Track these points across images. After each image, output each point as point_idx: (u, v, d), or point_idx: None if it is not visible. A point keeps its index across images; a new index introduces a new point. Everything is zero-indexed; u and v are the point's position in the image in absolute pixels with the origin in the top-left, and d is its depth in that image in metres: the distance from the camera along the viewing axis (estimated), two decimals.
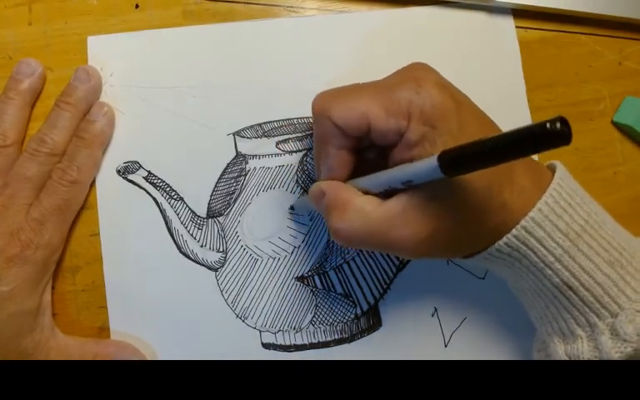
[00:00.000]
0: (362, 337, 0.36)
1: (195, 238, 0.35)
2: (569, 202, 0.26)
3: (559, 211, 0.25)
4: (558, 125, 0.18)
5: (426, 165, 0.23)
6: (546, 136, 0.19)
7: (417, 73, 0.26)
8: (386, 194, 0.26)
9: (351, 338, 0.36)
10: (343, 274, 0.35)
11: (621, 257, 0.26)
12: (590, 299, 0.26)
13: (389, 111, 0.25)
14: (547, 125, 0.18)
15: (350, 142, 0.27)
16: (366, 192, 0.27)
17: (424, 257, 0.27)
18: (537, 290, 0.28)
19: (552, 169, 0.28)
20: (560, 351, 0.28)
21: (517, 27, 0.39)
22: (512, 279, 0.30)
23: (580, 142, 0.38)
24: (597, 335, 0.26)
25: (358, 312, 0.36)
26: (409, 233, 0.25)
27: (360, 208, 0.26)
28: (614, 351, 0.25)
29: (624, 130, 0.39)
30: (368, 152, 0.29)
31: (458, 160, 0.21)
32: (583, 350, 0.26)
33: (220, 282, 0.35)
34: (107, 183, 0.35)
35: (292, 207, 0.35)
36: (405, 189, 0.25)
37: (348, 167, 0.28)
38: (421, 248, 0.26)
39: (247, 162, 0.36)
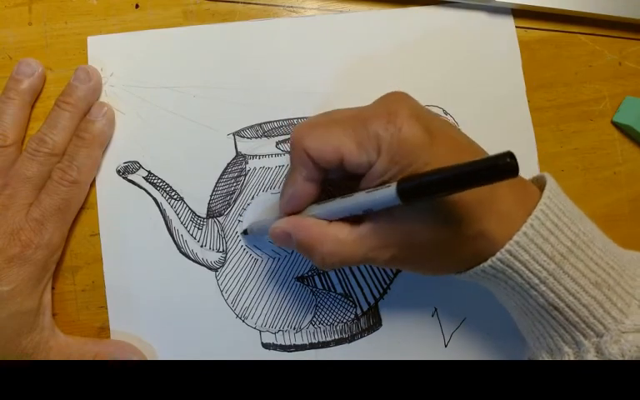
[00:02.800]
0: (362, 337, 0.36)
1: (195, 238, 0.35)
2: (556, 223, 0.26)
3: (545, 233, 0.25)
4: (508, 159, 0.20)
5: (384, 193, 0.24)
6: (496, 169, 0.20)
7: (390, 106, 0.26)
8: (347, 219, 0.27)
9: (351, 338, 0.36)
10: (343, 274, 0.35)
11: (608, 277, 0.26)
12: (575, 319, 0.26)
13: (361, 145, 0.26)
14: (498, 161, 0.20)
15: (319, 175, 0.28)
16: (325, 219, 0.28)
17: (409, 271, 0.28)
18: (524, 308, 0.28)
19: (541, 182, 0.28)
20: None
21: (517, 27, 0.39)
22: (499, 296, 0.30)
23: (580, 142, 0.38)
24: (584, 353, 0.26)
25: (358, 312, 0.36)
26: (382, 253, 0.27)
27: (335, 238, 0.27)
28: None
29: (624, 130, 0.39)
30: (331, 174, 0.30)
31: (412, 187, 0.23)
32: None
33: (220, 282, 0.35)
34: (107, 183, 0.35)
35: (244, 232, 0.35)
36: (368, 214, 0.26)
37: (311, 198, 0.29)
38: (399, 264, 0.27)
39: (247, 162, 0.36)
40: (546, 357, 0.28)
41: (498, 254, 0.26)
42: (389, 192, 0.24)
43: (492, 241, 0.26)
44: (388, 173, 0.26)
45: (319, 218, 0.28)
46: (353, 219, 0.27)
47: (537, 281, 0.26)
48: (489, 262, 0.26)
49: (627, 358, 0.24)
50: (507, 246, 0.25)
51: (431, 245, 0.26)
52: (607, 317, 0.25)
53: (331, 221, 0.28)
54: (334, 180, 0.30)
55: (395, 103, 0.27)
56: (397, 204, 0.24)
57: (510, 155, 0.20)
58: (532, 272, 0.26)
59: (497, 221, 0.26)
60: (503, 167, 0.20)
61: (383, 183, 0.26)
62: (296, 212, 0.29)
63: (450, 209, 0.25)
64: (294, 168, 0.28)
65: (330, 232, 0.27)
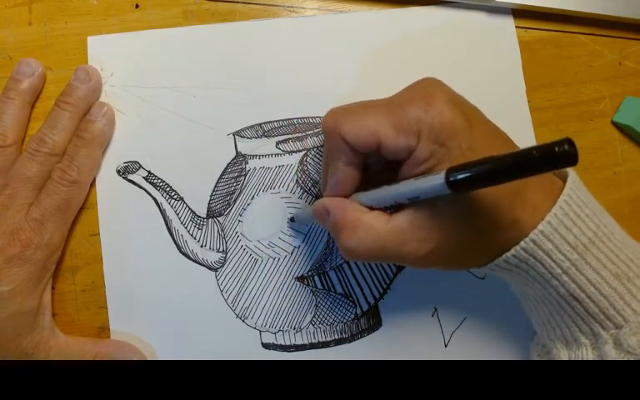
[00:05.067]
0: (362, 337, 0.36)
1: (195, 238, 0.35)
2: (579, 214, 0.26)
3: (568, 223, 0.25)
4: (566, 147, 0.18)
5: (432, 181, 0.23)
6: (553, 157, 0.19)
7: (427, 90, 0.26)
8: (392, 208, 0.27)
9: (351, 338, 0.36)
10: (343, 274, 0.35)
11: (628, 270, 0.26)
12: (595, 311, 0.26)
13: (399, 129, 0.25)
14: (556, 148, 0.18)
15: (358, 158, 0.27)
16: (370, 207, 0.27)
17: (433, 268, 0.27)
18: (542, 298, 0.28)
19: (564, 176, 0.28)
20: (563, 357, 0.28)
21: (517, 27, 0.39)
22: (516, 286, 0.30)
23: (580, 142, 0.38)
24: (601, 344, 0.26)
25: (358, 312, 0.36)
26: (418, 247, 0.26)
27: (369, 226, 0.26)
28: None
29: (624, 130, 0.39)
30: (373, 165, 0.29)
31: (464, 178, 0.21)
32: (587, 358, 0.27)
33: (220, 282, 0.35)
34: (107, 183, 0.35)
35: (292, 219, 0.35)
36: (411, 204, 0.25)
37: (355, 183, 0.28)
38: (430, 261, 0.26)
39: (247, 162, 0.36)
40: (561, 347, 0.28)
41: (522, 243, 0.25)
42: (437, 180, 0.23)
43: (522, 228, 0.25)
44: (431, 160, 0.25)
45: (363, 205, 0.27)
46: (391, 210, 0.27)
47: (559, 271, 0.26)
48: (512, 251, 0.26)
49: None
50: (531, 235, 0.25)
51: (469, 238, 0.26)
52: (627, 309, 0.25)
53: (372, 209, 0.27)
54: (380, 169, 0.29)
55: (431, 88, 0.26)
56: (445, 193, 0.22)
57: (569, 142, 0.18)
58: (554, 262, 0.25)
59: (528, 210, 0.25)
60: (563, 154, 0.18)
61: (427, 171, 0.25)
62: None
63: (489, 199, 0.25)
64: (333, 156, 0.28)
65: (365, 220, 0.26)
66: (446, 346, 0.36)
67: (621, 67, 0.39)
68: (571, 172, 0.28)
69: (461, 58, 0.38)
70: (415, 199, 0.25)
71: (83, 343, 0.34)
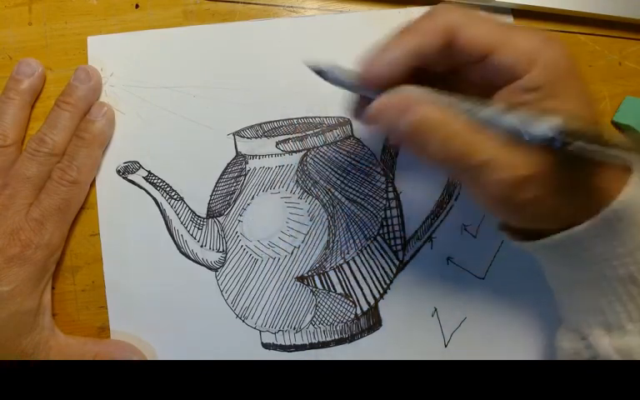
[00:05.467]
0: (362, 337, 0.36)
1: (195, 238, 0.35)
2: None
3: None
4: None
5: (544, 123, 0.22)
6: None
7: (543, 32, 0.25)
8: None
9: (351, 338, 0.36)
10: (343, 274, 0.35)
11: None
12: None
13: (517, 48, 0.24)
14: None
15: (431, 58, 0.25)
16: None
17: (506, 203, 0.24)
18: (590, 281, 0.27)
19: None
20: (605, 343, 0.27)
21: None
22: (563, 269, 0.29)
23: None
24: None
25: (358, 312, 0.36)
26: (518, 172, 0.23)
27: (466, 125, 0.24)
28: None
29: (624, 130, 0.39)
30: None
31: (575, 147, 0.21)
32: (631, 344, 0.26)
33: (220, 282, 0.35)
34: (107, 183, 0.35)
35: (319, 71, 0.30)
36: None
37: (400, 76, 0.25)
38: (516, 204, 0.24)
39: (247, 162, 0.36)
40: (602, 333, 0.27)
41: (620, 197, 0.24)
42: (552, 125, 0.21)
43: (602, 193, 0.25)
44: (538, 92, 0.24)
45: None
46: None
47: (623, 250, 0.25)
48: (599, 217, 0.24)
49: None
50: (623, 193, 0.24)
51: (560, 185, 0.24)
52: None
53: None
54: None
55: (549, 33, 0.25)
56: (550, 140, 0.21)
57: None
58: (622, 242, 0.25)
59: (612, 174, 0.25)
60: None
61: (534, 102, 0.23)
62: (376, 85, 0.25)
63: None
64: (412, 32, 0.25)
65: (463, 119, 0.24)
66: (446, 346, 0.36)
67: (621, 67, 0.39)
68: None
69: None
70: (510, 131, 0.23)
71: (83, 343, 0.34)
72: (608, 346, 0.27)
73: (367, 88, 0.27)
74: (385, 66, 0.25)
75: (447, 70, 0.26)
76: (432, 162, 0.24)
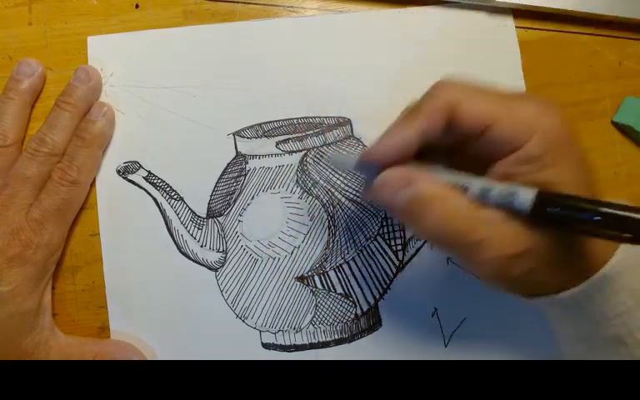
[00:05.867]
0: (362, 337, 0.36)
1: (195, 238, 0.35)
2: None
3: (634, 266, 0.25)
4: None
5: (520, 192, 0.23)
6: None
7: (541, 97, 0.26)
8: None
9: (351, 338, 0.36)
10: (343, 274, 0.35)
11: None
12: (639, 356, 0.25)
13: (515, 120, 0.24)
14: None
15: (437, 136, 0.25)
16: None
17: (500, 279, 0.25)
18: (584, 338, 0.27)
19: None
20: None
21: (517, 27, 0.39)
22: (562, 323, 0.29)
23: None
24: None
25: (358, 312, 0.36)
26: (506, 251, 0.24)
27: (459, 205, 0.24)
28: None
29: (624, 130, 0.39)
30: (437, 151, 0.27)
31: (555, 210, 0.21)
32: None
33: (220, 282, 0.35)
34: (107, 183, 0.35)
35: (329, 159, 0.32)
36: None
37: (408, 158, 0.26)
38: (508, 277, 0.25)
39: (247, 162, 0.36)
40: None
41: (610, 262, 0.25)
42: (526, 196, 0.22)
43: (593, 261, 0.25)
44: (536, 163, 0.24)
45: None
46: None
47: (613, 314, 0.25)
48: (585, 285, 0.25)
49: None
50: (612, 260, 0.24)
51: (550, 259, 0.25)
52: None
53: None
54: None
55: (548, 98, 0.26)
56: (525, 212, 0.22)
57: None
58: (611, 305, 0.25)
59: (599, 246, 0.25)
60: None
61: (532, 172, 0.24)
62: (387, 163, 0.26)
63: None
64: (416, 117, 0.25)
65: (456, 197, 0.24)
66: (446, 346, 0.36)
67: (621, 67, 0.39)
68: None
69: (461, 58, 0.38)
70: (503, 202, 0.24)
71: (83, 343, 0.34)
72: None
73: (375, 170, 0.27)
74: (393, 150, 0.26)
75: (449, 145, 0.27)
76: (426, 237, 0.25)
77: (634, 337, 0.25)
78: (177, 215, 0.35)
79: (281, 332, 0.35)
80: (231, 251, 0.35)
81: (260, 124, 0.36)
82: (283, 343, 0.35)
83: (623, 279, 0.25)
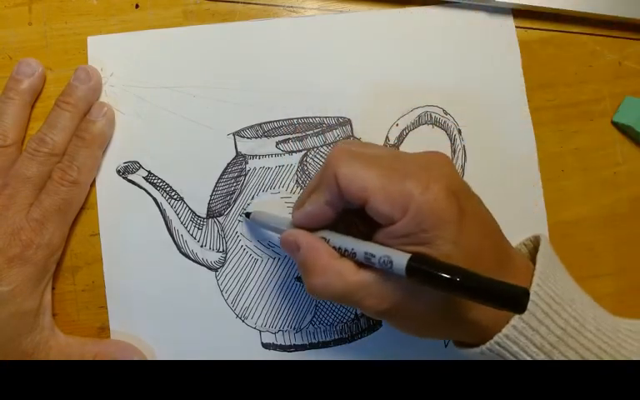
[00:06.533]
0: (362, 337, 0.36)
1: (195, 238, 0.35)
2: (546, 311, 0.26)
3: (535, 324, 0.26)
4: (523, 300, 0.21)
5: (394, 257, 0.25)
6: (508, 301, 0.21)
7: (431, 170, 0.26)
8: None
9: (351, 338, 0.36)
10: None
11: (601, 355, 0.26)
12: None
13: (389, 197, 0.25)
14: (515, 296, 0.21)
15: (342, 204, 0.27)
16: (339, 250, 0.28)
17: (393, 326, 0.28)
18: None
19: (535, 243, 0.28)
20: None
21: (517, 27, 0.39)
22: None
23: (580, 142, 0.38)
24: None
25: (358, 311, 0.36)
26: (377, 304, 0.26)
27: (338, 273, 0.26)
28: None
29: (624, 130, 0.39)
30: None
31: (422, 272, 0.23)
32: None
33: (220, 282, 0.35)
34: (107, 183, 0.35)
35: (247, 215, 0.35)
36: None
37: (327, 222, 0.28)
38: (389, 319, 0.27)
39: (247, 162, 0.36)
40: None
41: (488, 344, 0.26)
42: (399, 261, 0.24)
43: (482, 329, 0.26)
44: (408, 239, 0.25)
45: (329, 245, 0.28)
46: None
47: (537, 358, 0.26)
48: (479, 349, 0.26)
49: None
50: (495, 338, 0.26)
51: (427, 314, 0.26)
52: None
53: (341, 255, 0.27)
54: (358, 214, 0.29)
55: (436, 169, 0.26)
56: (402, 276, 0.24)
57: (527, 294, 0.21)
58: (527, 355, 0.26)
59: (487, 311, 0.26)
60: (516, 303, 0.21)
61: (400, 247, 0.25)
62: (307, 229, 0.29)
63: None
64: (320, 189, 0.28)
65: (336, 266, 0.27)
66: (446, 346, 0.36)
67: (621, 67, 0.39)
68: (543, 245, 0.28)
69: (461, 58, 0.38)
70: (371, 264, 0.26)
71: (83, 343, 0.34)
72: None
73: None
74: (305, 220, 0.29)
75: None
76: (315, 295, 0.28)
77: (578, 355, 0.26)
78: (177, 215, 0.35)
79: (281, 332, 0.35)
80: (231, 251, 0.35)
81: (260, 124, 0.36)
82: (283, 343, 0.35)
83: (522, 340, 0.26)
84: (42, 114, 0.35)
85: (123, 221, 0.35)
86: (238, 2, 0.38)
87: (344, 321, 0.36)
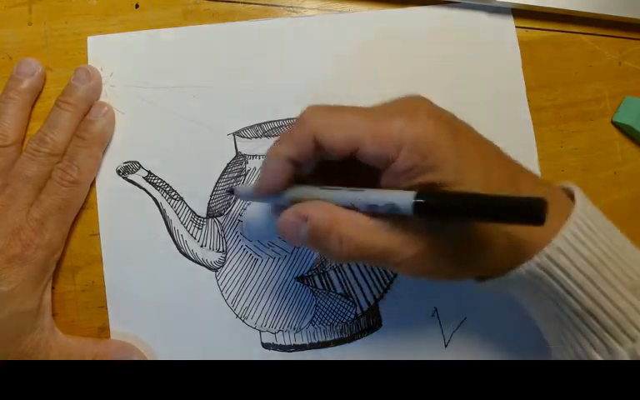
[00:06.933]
0: (362, 337, 0.36)
1: (195, 238, 0.35)
2: (592, 228, 0.25)
3: (583, 238, 0.25)
4: (542, 210, 0.19)
5: (396, 197, 0.23)
6: (525, 214, 0.20)
7: (411, 104, 0.26)
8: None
9: (351, 338, 0.36)
10: (343, 274, 0.35)
11: None
12: (611, 325, 0.25)
13: (379, 138, 0.25)
14: (532, 207, 0.20)
15: (309, 161, 0.27)
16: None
17: (424, 276, 0.26)
18: (555, 315, 0.27)
19: (570, 192, 0.28)
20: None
21: (517, 27, 0.39)
22: (527, 303, 0.29)
23: (580, 142, 0.38)
24: (617, 358, 0.25)
25: (358, 312, 0.36)
26: (409, 249, 0.25)
27: (356, 223, 0.25)
28: None
29: (624, 130, 0.39)
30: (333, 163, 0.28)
31: (432, 205, 0.22)
32: None
33: (220, 282, 0.35)
34: (107, 183, 0.35)
35: (231, 191, 0.34)
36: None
37: (284, 182, 0.27)
38: (422, 266, 0.26)
39: (247, 162, 0.36)
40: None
41: (537, 258, 0.25)
42: (404, 199, 0.23)
43: (520, 245, 0.25)
44: (412, 171, 0.24)
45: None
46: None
47: (574, 286, 0.25)
48: (526, 266, 0.25)
49: None
50: (545, 249, 0.25)
51: (457, 246, 0.25)
52: None
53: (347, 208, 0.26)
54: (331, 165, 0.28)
55: (416, 103, 0.26)
56: (410, 215, 0.23)
57: (545, 204, 0.20)
58: (570, 278, 0.25)
59: (516, 230, 0.25)
60: (534, 213, 0.20)
61: (408, 182, 0.24)
62: (269, 194, 0.28)
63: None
64: (283, 145, 0.27)
65: (351, 217, 0.25)
66: (446, 346, 0.36)
67: (621, 67, 0.39)
68: (576, 188, 0.28)
69: (461, 58, 0.38)
70: (375, 210, 0.25)
71: (83, 343, 0.34)
72: None
73: (264, 198, 0.30)
74: (270, 178, 0.28)
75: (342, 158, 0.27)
76: (336, 260, 0.26)
77: (601, 306, 0.25)
78: (177, 215, 0.35)
79: (281, 332, 0.35)
80: (231, 251, 0.35)
81: (260, 124, 0.36)
82: (283, 343, 0.35)
83: (572, 252, 0.25)
84: (42, 114, 0.35)
85: (123, 221, 0.35)
86: (238, 2, 0.38)
87: (344, 321, 0.36)
